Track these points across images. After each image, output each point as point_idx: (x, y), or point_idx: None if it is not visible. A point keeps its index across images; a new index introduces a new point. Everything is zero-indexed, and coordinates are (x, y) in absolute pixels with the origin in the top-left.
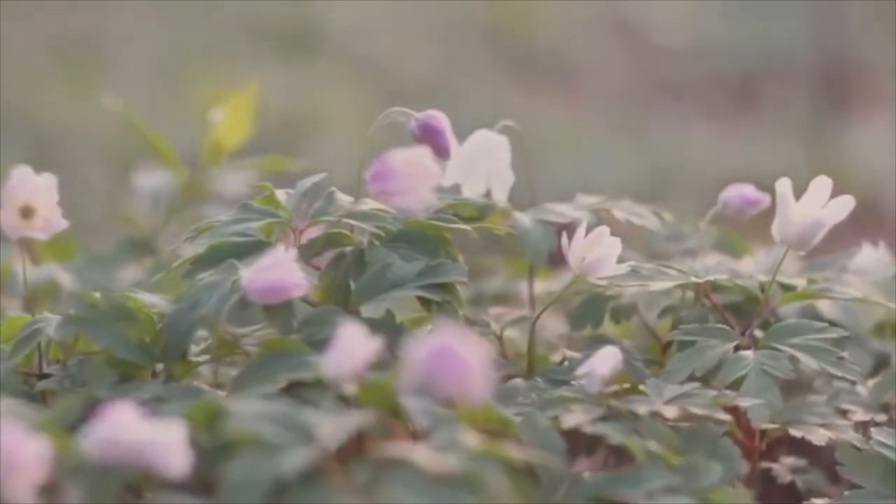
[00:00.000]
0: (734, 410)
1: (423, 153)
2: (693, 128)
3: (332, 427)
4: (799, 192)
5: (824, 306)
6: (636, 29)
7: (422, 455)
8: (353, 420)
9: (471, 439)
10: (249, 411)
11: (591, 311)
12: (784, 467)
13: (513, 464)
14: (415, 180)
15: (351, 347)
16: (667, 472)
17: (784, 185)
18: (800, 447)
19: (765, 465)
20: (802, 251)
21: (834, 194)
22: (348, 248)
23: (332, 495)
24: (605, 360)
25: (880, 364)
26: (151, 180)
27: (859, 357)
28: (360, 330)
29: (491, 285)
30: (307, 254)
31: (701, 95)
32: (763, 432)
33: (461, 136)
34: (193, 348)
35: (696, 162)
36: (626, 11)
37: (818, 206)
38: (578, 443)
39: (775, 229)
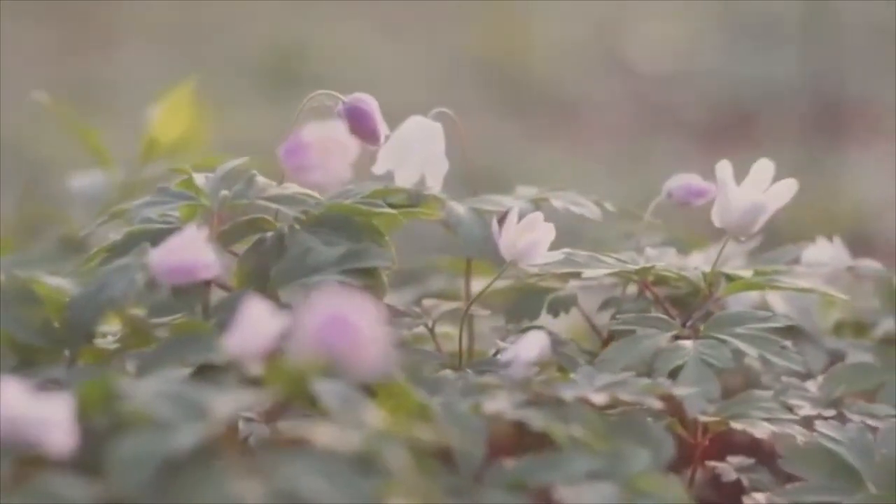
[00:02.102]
0: (674, 404)
1: (338, 129)
2: (688, 160)
3: (227, 405)
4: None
5: (778, 305)
6: (631, 62)
7: (324, 434)
8: (250, 398)
9: (375, 419)
10: (145, 391)
11: (528, 304)
12: (730, 466)
13: (423, 446)
14: (330, 156)
15: (255, 326)
16: (591, 459)
17: (723, 169)
18: (751, 450)
19: (711, 464)
20: (744, 236)
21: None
22: (269, 233)
23: (227, 475)
24: (531, 345)
25: (835, 362)
26: (87, 181)
27: (814, 355)
28: (265, 308)
29: (434, 284)
30: (227, 239)
31: (696, 128)
32: (706, 427)
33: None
34: (110, 338)
35: None
36: (622, 45)
37: (759, 190)
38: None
39: (715, 214)
